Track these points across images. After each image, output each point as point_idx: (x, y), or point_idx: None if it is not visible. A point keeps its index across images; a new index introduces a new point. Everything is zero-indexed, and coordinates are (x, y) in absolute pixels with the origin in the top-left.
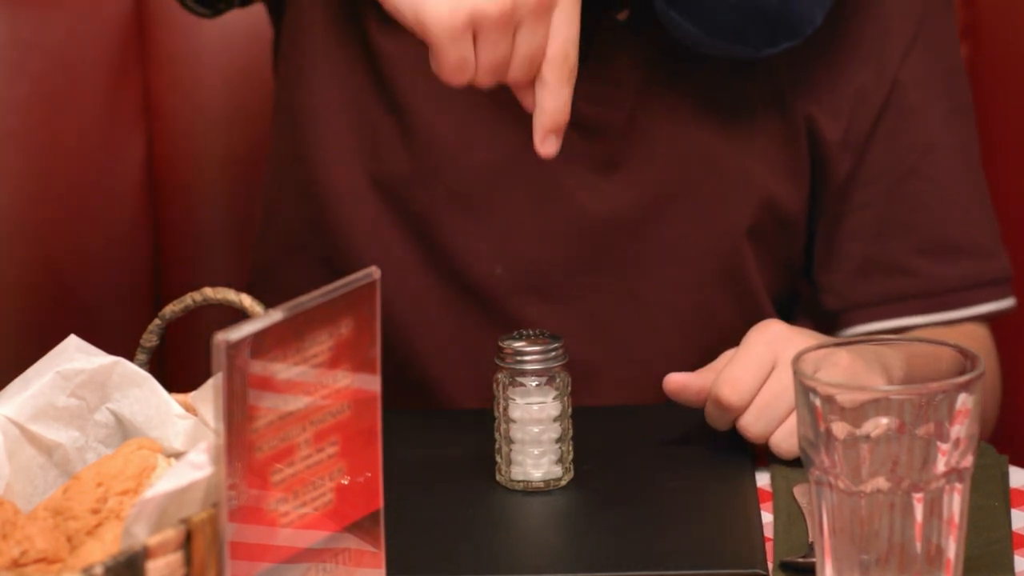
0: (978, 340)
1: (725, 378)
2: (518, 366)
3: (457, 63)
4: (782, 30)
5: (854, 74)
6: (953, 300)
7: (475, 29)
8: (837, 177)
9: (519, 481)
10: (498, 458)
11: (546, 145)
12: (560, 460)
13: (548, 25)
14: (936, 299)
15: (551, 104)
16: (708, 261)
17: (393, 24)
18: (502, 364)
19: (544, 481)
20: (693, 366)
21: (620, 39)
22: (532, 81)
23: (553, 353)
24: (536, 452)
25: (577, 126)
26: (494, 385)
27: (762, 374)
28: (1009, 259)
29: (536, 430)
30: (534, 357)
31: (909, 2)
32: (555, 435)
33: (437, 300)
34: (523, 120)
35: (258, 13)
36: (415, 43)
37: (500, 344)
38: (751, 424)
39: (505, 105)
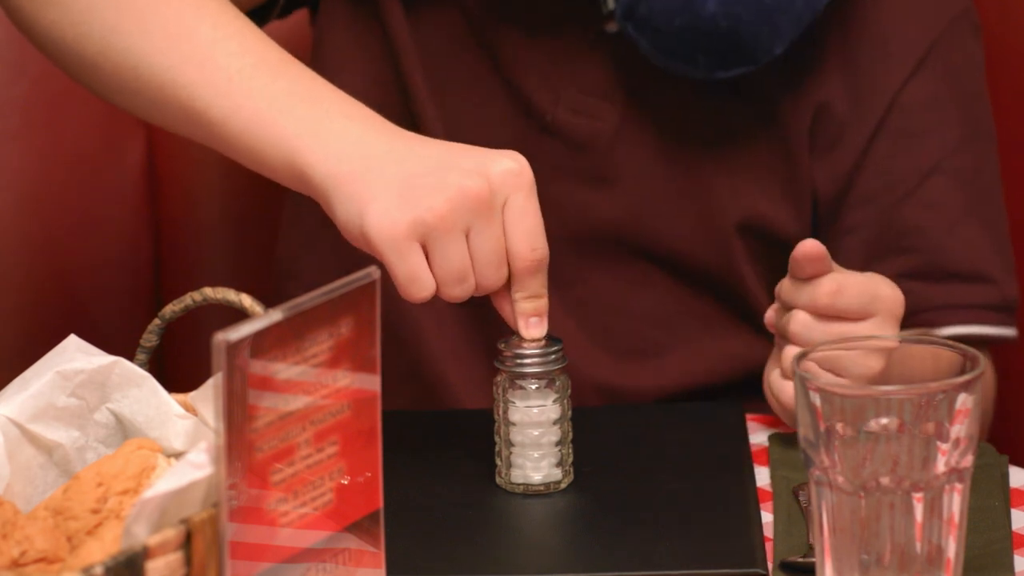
0: None
1: (834, 277)
2: (517, 369)
3: (408, 276)
4: (733, 56)
5: (847, 95)
6: (931, 318)
7: (422, 240)
8: (826, 196)
9: (519, 484)
10: (498, 461)
11: (531, 330)
12: (560, 463)
13: (499, 222)
14: (913, 317)
15: (528, 297)
16: (697, 272)
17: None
18: (501, 367)
19: (544, 484)
20: (688, 374)
21: (607, 51)
22: (506, 285)
23: (553, 356)
24: (536, 455)
25: (564, 138)
26: (494, 388)
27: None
28: (1019, 287)
29: (536, 433)
30: (533, 360)
31: (916, 26)
32: (555, 438)
33: (448, 305)
34: (535, 129)
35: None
36: (435, 38)
37: (499, 347)
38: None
39: (521, 112)
